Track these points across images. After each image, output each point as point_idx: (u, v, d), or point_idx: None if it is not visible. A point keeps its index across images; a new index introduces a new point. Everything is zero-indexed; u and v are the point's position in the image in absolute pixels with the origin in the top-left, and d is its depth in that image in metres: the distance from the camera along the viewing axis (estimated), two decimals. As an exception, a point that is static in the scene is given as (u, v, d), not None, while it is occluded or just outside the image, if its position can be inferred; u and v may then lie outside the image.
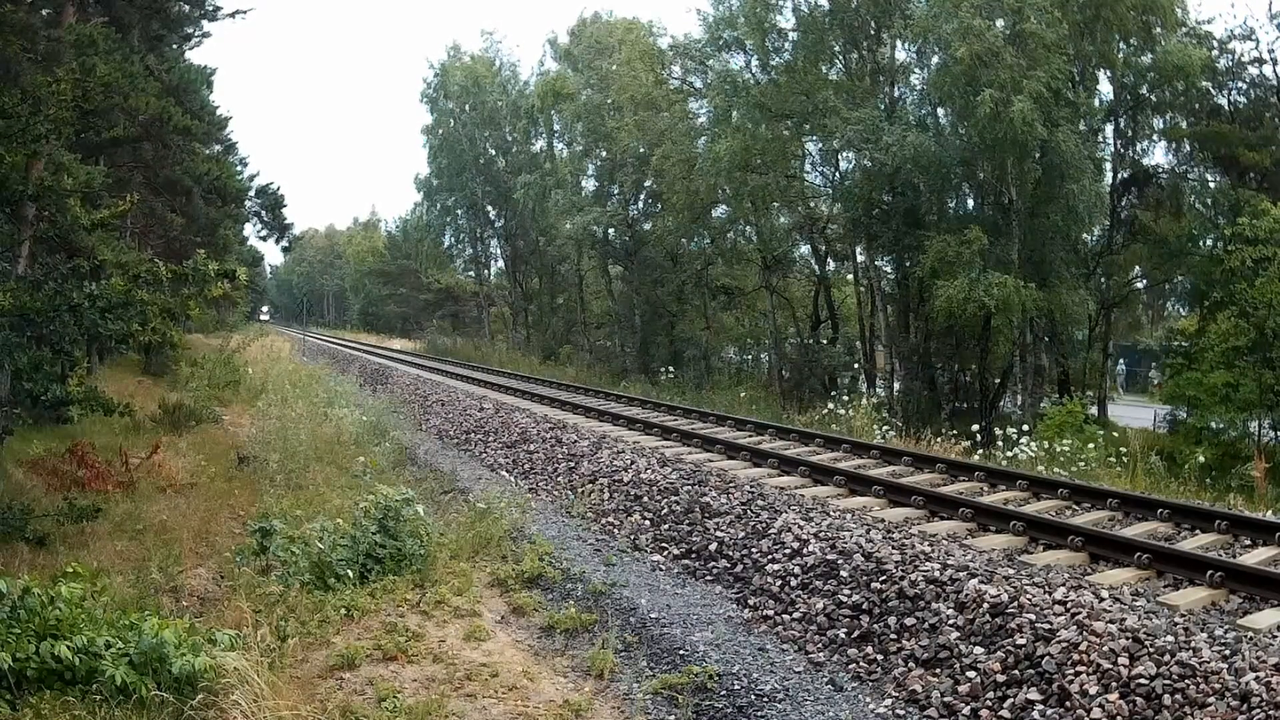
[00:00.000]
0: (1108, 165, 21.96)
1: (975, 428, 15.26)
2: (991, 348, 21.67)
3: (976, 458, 13.55)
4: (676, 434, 14.54)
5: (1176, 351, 19.81)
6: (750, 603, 7.63)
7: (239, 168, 25.75)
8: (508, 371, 30.69)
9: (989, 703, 5.54)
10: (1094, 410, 20.31)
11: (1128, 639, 5.54)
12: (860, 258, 24.56)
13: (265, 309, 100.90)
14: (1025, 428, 15.02)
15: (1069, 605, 6.07)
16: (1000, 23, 18.58)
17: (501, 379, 26.38)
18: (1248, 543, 8.30)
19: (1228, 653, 5.31)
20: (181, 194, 18.31)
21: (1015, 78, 17.47)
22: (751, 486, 10.21)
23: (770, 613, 7.34)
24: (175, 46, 19.44)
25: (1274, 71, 21.05)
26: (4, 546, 8.39)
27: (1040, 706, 5.35)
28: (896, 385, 22.40)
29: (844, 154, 23.44)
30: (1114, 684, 5.26)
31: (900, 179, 20.80)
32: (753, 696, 5.95)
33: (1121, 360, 31.27)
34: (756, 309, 29.08)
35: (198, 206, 19.10)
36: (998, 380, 22.02)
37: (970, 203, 22.27)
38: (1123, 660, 5.39)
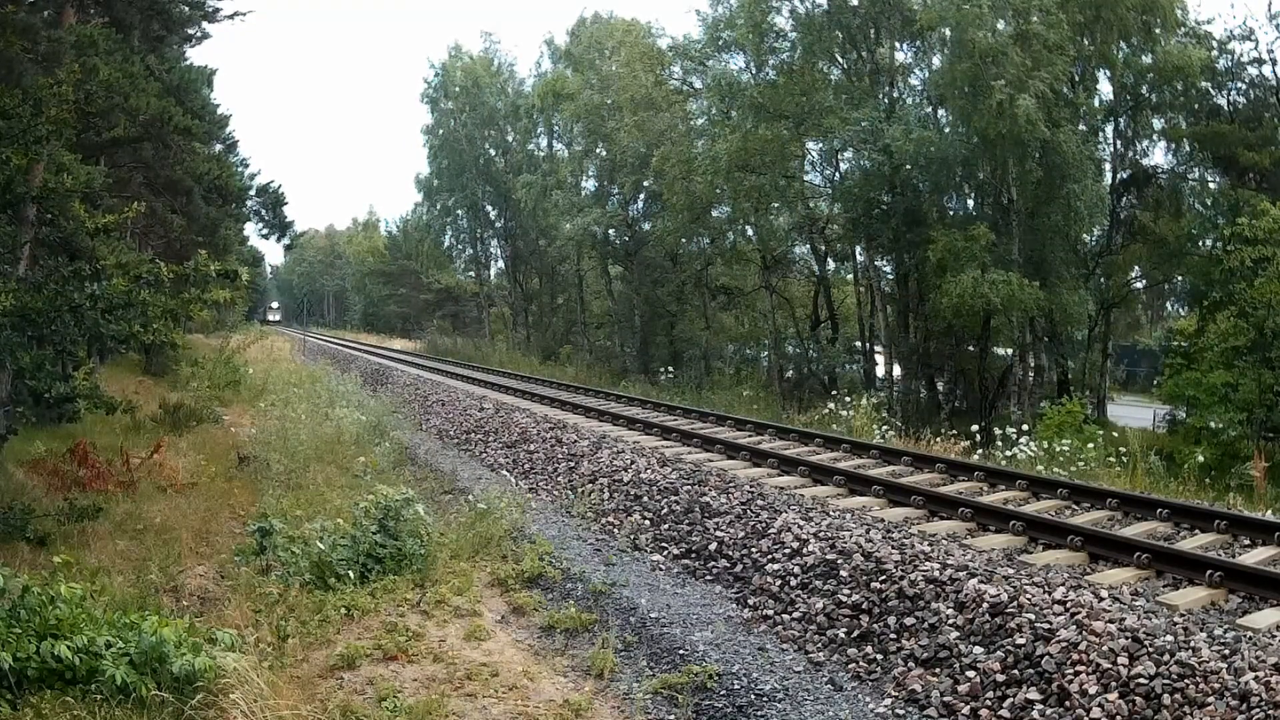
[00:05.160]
0: (1107, 165, 22.02)
1: (975, 428, 15.27)
2: (991, 348, 21.69)
3: (976, 458, 13.55)
4: (676, 434, 14.55)
5: (1176, 351, 19.83)
6: (750, 602, 7.63)
7: (240, 167, 25.73)
8: (508, 371, 30.69)
9: (988, 702, 5.54)
10: (1092, 410, 20.34)
11: (1127, 639, 5.55)
12: (860, 258, 24.60)
13: (275, 305, 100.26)
14: (1025, 428, 15.03)
15: (1068, 605, 6.08)
16: (1001, 24, 18.65)
17: (501, 379, 26.39)
18: (1247, 542, 8.30)
19: (1227, 652, 5.31)
20: (182, 194, 18.28)
21: (1020, 76, 17.54)
22: (751, 486, 10.22)
23: (770, 612, 7.35)
24: (176, 47, 19.41)
25: (1273, 71, 21.09)
26: (5, 546, 8.39)
27: (1040, 706, 5.36)
28: (896, 385, 22.43)
29: (843, 154, 23.51)
30: (1113, 683, 5.27)
31: (900, 178, 20.83)
32: (752, 696, 5.96)
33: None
34: (756, 309, 29.12)
35: (198, 206, 19.08)
36: (997, 380, 22.03)
37: (970, 203, 22.32)
38: (1122, 660, 5.40)
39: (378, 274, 75.22)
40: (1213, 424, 16.23)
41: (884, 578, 7.13)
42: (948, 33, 19.31)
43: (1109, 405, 22.85)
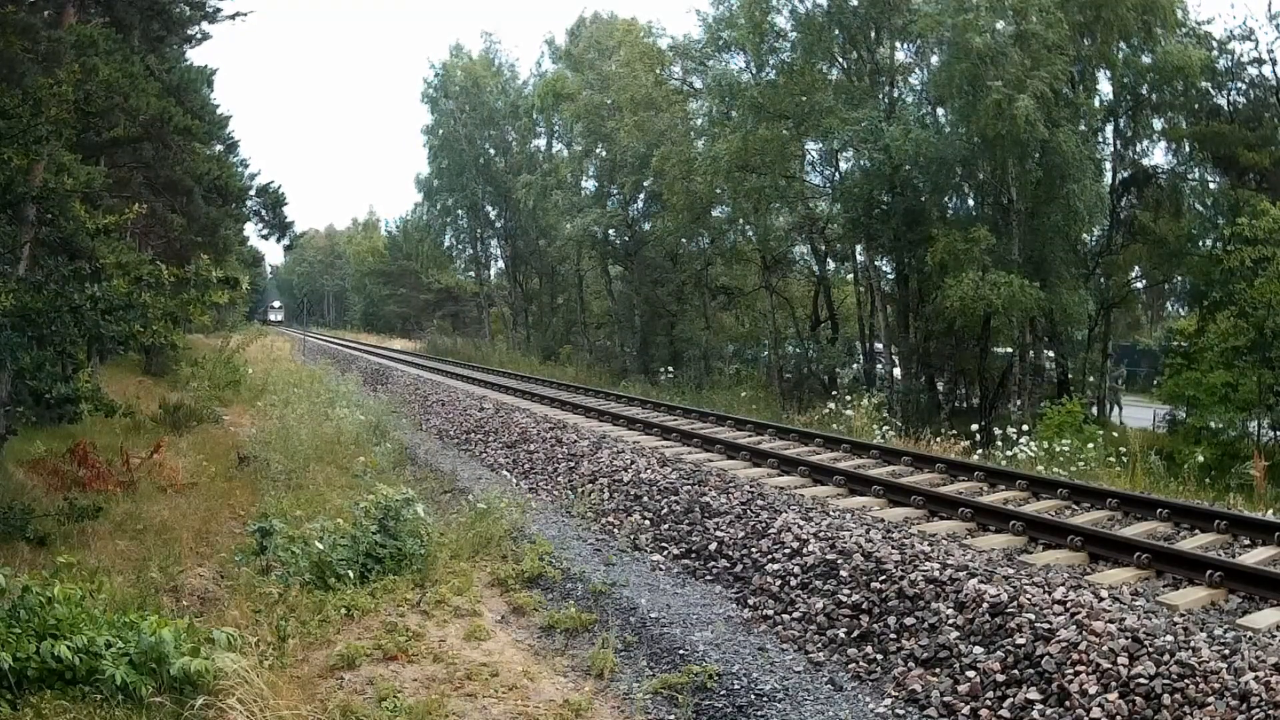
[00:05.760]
0: (1107, 165, 22.01)
1: (975, 427, 15.27)
2: (991, 348, 21.67)
3: (976, 458, 13.56)
4: (676, 434, 14.55)
5: (1176, 351, 19.82)
6: (750, 602, 7.63)
7: (240, 167, 25.71)
8: (508, 371, 30.70)
9: (988, 702, 5.54)
10: (1093, 410, 20.33)
11: (1127, 639, 5.55)
12: (860, 258, 24.58)
13: (276, 304, 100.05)
14: (1025, 428, 15.03)
15: (1068, 605, 6.08)
16: (1000, 24, 18.66)
17: (501, 379, 26.39)
18: (1247, 542, 8.31)
19: (1227, 652, 5.31)
20: (182, 194, 18.28)
21: (1020, 76, 17.55)
22: (751, 486, 10.22)
23: (770, 612, 7.35)
24: (176, 47, 19.39)
25: (1273, 71, 21.08)
26: (5, 546, 8.40)
27: (1040, 706, 5.36)
28: (896, 385, 22.42)
29: (843, 154, 23.50)
30: (1113, 683, 5.27)
31: (900, 178, 20.83)
32: (752, 696, 5.96)
33: None
34: (756, 309, 29.12)
35: (198, 206, 19.06)
36: (997, 380, 22.02)
37: (970, 203, 22.31)
38: (1122, 660, 5.40)
39: (378, 274, 75.20)
40: (1213, 424, 16.24)
41: (884, 578, 7.13)
42: (947, 33, 19.30)
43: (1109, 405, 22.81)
